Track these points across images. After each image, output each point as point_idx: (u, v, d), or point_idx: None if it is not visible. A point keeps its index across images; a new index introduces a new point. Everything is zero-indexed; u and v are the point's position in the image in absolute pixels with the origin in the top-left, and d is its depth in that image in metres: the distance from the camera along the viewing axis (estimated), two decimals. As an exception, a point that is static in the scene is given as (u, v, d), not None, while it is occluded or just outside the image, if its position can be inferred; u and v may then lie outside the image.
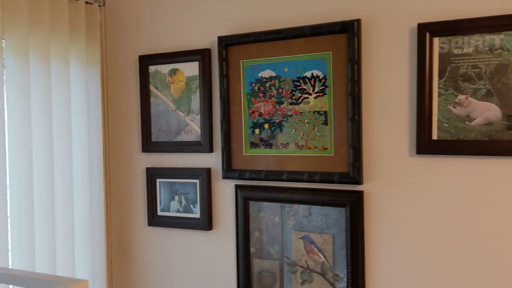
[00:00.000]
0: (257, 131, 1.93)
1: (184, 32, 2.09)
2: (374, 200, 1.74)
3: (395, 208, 1.71)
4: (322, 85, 1.80)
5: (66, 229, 1.99)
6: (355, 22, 1.70)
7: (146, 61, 2.15)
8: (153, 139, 2.16)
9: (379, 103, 1.72)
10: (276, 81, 1.88)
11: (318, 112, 1.81)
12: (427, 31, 1.60)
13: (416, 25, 1.63)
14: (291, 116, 1.85)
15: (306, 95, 1.83)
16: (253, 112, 1.93)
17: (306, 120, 1.83)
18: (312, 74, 1.82)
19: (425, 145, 1.63)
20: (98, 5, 2.19)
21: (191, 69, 2.06)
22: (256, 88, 1.92)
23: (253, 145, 1.93)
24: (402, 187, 1.69)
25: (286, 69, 1.86)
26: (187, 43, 2.08)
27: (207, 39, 2.04)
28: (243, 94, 1.95)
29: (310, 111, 1.82)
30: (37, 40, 1.86)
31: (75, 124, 2.05)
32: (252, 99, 1.93)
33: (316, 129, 1.81)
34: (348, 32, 1.72)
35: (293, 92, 1.85)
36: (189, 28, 2.08)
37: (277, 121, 1.88)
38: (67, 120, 1.99)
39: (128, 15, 2.23)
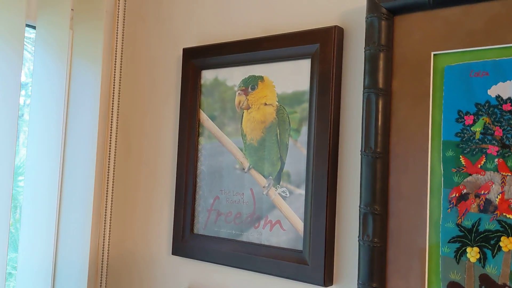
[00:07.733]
0: (472, 256, 0.65)
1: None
2: None
3: None
4: None
5: None
6: None
7: (193, 58, 0.99)
8: (196, 229, 0.97)
9: None
10: (552, 111, 0.61)
11: None
12: None
13: None
14: None
15: None
16: (461, 197, 0.66)
17: None
18: None
19: None
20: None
21: (292, 77, 0.86)
22: (477, 129, 0.66)
23: (459, 296, 0.66)
24: None
25: None
26: (301, 19, 0.89)
27: (334, 8, 0.83)
28: (431, 145, 0.69)
29: None
30: None
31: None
32: (462, 158, 0.67)
33: None
34: None
35: None
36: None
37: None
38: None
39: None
